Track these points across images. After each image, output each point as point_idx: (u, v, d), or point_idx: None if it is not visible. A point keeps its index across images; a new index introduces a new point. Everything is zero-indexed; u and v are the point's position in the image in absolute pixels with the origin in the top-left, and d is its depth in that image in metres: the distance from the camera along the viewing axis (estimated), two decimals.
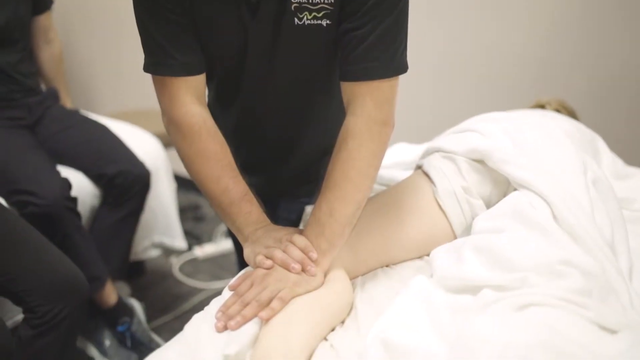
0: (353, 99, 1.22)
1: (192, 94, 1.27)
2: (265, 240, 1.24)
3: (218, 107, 1.45)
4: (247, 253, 1.26)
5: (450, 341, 0.97)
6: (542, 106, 1.96)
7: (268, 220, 1.31)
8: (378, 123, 1.21)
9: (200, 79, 1.30)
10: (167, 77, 1.25)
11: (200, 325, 1.10)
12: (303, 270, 1.17)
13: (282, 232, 1.27)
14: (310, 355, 1.05)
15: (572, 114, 1.94)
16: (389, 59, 1.20)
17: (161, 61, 1.24)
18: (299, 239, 1.22)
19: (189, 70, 1.26)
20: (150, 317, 2.46)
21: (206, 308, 1.18)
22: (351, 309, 1.20)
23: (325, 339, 1.11)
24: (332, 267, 1.23)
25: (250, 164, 1.45)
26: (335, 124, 1.29)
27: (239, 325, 1.07)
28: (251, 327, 1.06)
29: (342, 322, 1.17)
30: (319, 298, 1.14)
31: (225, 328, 1.08)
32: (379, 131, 1.22)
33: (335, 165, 1.22)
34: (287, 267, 1.17)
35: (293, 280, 1.15)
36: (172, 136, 1.31)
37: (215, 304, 1.17)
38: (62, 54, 2.51)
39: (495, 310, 0.99)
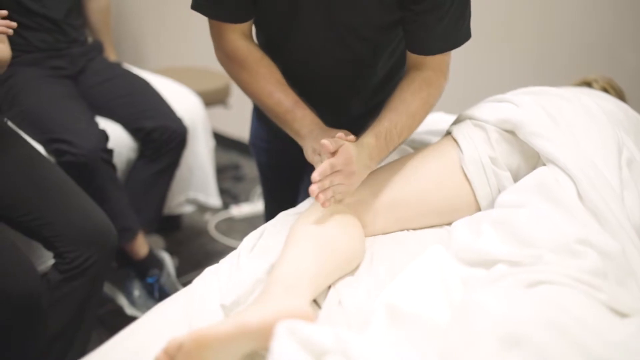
0: (431, 60, 1.35)
1: (237, 33, 1.38)
2: (321, 137, 1.28)
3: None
4: (307, 149, 1.32)
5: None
6: (588, 84, 1.89)
7: (322, 122, 1.37)
8: (446, 82, 1.39)
9: (246, 25, 1.39)
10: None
11: (210, 279, 1.11)
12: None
13: (335, 132, 1.30)
14: (316, 293, 1.07)
15: (619, 94, 1.86)
16: (463, 27, 1.35)
17: (210, 4, 1.33)
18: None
19: (235, 19, 1.35)
20: (182, 272, 2.50)
21: (221, 261, 1.20)
22: (359, 267, 1.20)
23: (335, 287, 1.11)
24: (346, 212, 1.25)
25: None
26: (376, 87, 1.38)
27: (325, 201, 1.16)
28: (246, 279, 1.08)
29: (353, 272, 1.17)
30: (334, 239, 1.16)
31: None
32: (443, 91, 1.40)
33: (415, 98, 1.32)
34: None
35: (354, 184, 1.22)
36: (224, 66, 1.43)
37: (228, 260, 1.18)
38: (110, 6, 2.54)
39: (504, 284, 0.97)
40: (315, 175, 1.13)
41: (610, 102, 1.58)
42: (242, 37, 1.39)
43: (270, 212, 1.57)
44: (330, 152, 1.18)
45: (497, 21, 2.62)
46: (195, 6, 1.35)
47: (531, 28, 2.56)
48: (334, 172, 1.17)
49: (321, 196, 1.15)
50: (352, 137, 1.26)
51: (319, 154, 1.24)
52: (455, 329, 0.87)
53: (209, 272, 1.15)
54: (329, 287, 1.12)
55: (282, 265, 1.06)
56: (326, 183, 1.16)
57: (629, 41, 2.34)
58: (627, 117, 1.55)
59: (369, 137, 1.26)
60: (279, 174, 1.76)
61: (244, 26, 1.38)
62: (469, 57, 2.59)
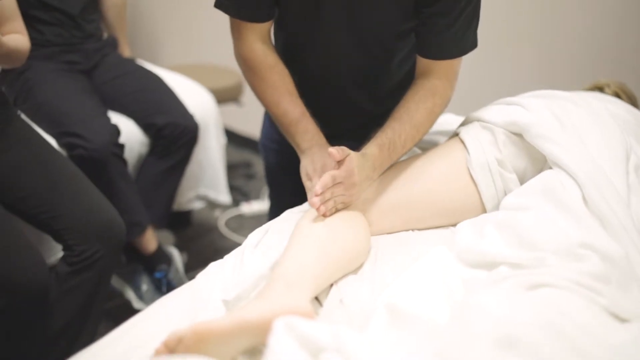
0: (439, 67, 1.36)
1: (256, 34, 1.39)
2: (318, 158, 1.31)
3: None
4: (302, 167, 1.34)
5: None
6: (600, 88, 1.88)
7: (323, 138, 1.39)
8: (452, 92, 1.40)
9: (266, 24, 1.40)
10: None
11: (214, 274, 1.12)
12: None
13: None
14: (318, 291, 1.08)
15: (632, 99, 1.85)
16: (471, 35, 1.35)
17: (232, 3, 1.35)
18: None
19: (255, 18, 1.37)
20: (191, 267, 2.51)
21: (225, 257, 1.20)
22: (362, 266, 1.20)
23: (337, 285, 1.12)
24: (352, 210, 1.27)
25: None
26: (392, 89, 1.40)
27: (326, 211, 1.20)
28: (249, 275, 1.08)
29: (356, 271, 1.18)
30: (338, 237, 1.17)
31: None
32: (449, 101, 1.41)
33: (419, 108, 1.34)
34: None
35: (355, 195, 1.25)
36: (240, 68, 1.45)
37: (233, 256, 1.19)
38: (126, 2, 2.55)
39: (505, 286, 0.97)
40: (317, 189, 1.16)
41: (620, 108, 1.57)
42: (260, 39, 1.40)
43: (276, 212, 1.59)
44: (336, 160, 1.20)
45: (505, 23, 2.61)
46: (219, 4, 1.37)
47: (538, 30, 2.55)
48: (335, 184, 1.19)
49: (322, 208, 1.18)
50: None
51: (310, 180, 1.27)
52: (455, 330, 0.87)
53: (213, 267, 1.16)
54: (331, 285, 1.13)
55: (285, 262, 1.07)
56: (327, 195, 1.19)
57: (635, 43, 2.32)
58: (637, 122, 1.54)
59: (372, 148, 1.28)
60: (287, 175, 1.77)
61: (263, 28, 1.39)
62: (478, 59, 2.58)
